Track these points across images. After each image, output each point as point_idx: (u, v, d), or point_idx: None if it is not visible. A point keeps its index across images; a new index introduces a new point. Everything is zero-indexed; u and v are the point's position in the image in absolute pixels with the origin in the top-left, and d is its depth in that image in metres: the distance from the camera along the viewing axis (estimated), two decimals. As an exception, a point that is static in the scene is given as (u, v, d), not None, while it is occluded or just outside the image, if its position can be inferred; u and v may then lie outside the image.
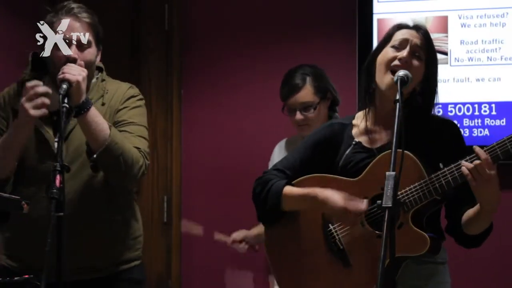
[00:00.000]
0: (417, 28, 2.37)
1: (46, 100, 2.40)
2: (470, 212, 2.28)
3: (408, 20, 2.41)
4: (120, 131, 2.58)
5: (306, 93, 3.16)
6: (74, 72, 2.40)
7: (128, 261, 2.70)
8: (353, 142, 2.40)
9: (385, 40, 2.38)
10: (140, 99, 2.73)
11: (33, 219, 2.49)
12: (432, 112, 2.40)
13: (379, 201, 2.01)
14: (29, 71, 2.65)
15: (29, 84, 2.43)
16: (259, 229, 3.29)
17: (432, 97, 2.37)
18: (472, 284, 3.63)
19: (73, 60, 2.50)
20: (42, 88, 2.41)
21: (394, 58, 2.30)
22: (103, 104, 2.63)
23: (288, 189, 2.39)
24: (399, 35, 2.35)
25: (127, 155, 2.50)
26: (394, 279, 2.20)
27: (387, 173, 2.00)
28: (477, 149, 2.16)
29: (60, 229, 2.12)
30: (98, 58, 2.68)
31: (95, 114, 2.47)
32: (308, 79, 3.17)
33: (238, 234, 3.39)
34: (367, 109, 2.41)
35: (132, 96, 2.70)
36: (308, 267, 2.39)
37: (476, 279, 3.67)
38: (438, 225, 2.37)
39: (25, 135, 2.50)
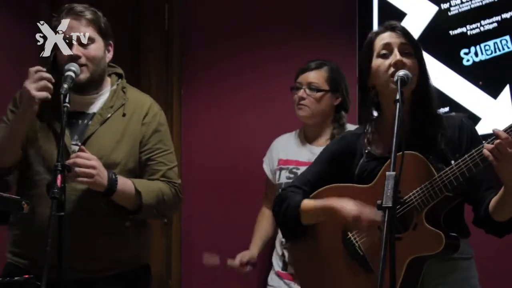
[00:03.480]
0: (392, 28, 2.35)
1: (49, 84, 2.42)
2: (495, 198, 2.23)
3: (382, 25, 2.39)
4: (158, 162, 2.66)
5: (318, 76, 3.25)
6: (85, 176, 2.43)
7: (135, 263, 2.69)
8: (365, 151, 2.40)
9: (368, 49, 2.36)
10: (165, 116, 2.78)
11: (45, 217, 2.45)
12: (443, 109, 2.37)
13: (379, 201, 2.01)
14: (48, 69, 2.62)
15: (33, 68, 2.45)
16: (257, 246, 3.39)
17: (430, 88, 2.34)
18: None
19: (76, 58, 2.52)
20: (46, 74, 2.44)
21: (388, 67, 2.29)
22: (124, 115, 2.64)
23: (305, 203, 2.43)
24: (379, 41, 2.34)
25: (160, 205, 2.62)
26: (418, 280, 2.22)
27: (387, 173, 2.00)
28: (496, 130, 2.13)
29: (61, 228, 2.12)
30: (110, 54, 2.68)
31: (122, 183, 2.52)
32: (325, 67, 3.26)
33: (243, 256, 3.38)
34: (373, 119, 2.41)
35: (160, 115, 2.74)
36: (332, 278, 2.42)
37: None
38: (461, 223, 2.35)
39: (27, 120, 2.49)
